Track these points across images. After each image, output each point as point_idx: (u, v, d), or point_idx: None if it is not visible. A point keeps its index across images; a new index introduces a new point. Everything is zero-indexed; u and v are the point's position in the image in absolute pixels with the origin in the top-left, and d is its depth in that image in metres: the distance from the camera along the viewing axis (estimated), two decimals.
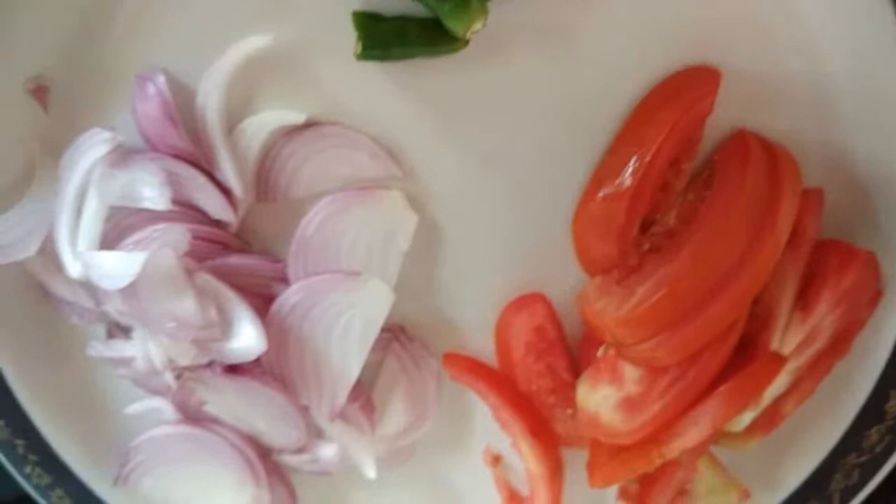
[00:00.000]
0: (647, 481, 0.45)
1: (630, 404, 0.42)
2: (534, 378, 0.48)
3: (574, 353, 0.47)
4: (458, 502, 0.51)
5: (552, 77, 0.43)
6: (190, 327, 0.41)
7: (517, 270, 0.46)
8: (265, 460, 0.48)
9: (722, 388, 0.40)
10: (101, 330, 0.47)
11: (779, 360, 0.40)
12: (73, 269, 0.41)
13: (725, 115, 0.43)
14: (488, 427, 0.50)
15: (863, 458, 0.46)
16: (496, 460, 0.51)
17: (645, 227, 0.44)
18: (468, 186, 0.45)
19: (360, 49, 0.40)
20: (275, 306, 0.44)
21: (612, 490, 0.48)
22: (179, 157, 0.41)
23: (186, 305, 0.41)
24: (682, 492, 0.46)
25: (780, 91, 0.43)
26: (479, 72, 0.42)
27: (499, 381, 0.47)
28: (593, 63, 0.42)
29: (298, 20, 0.42)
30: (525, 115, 0.43)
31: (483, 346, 0.48)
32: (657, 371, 0.42)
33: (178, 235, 0.40)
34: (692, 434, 0.40)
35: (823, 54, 0.42)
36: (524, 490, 0.51)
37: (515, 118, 0.43)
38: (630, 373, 0.43)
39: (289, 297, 0.44)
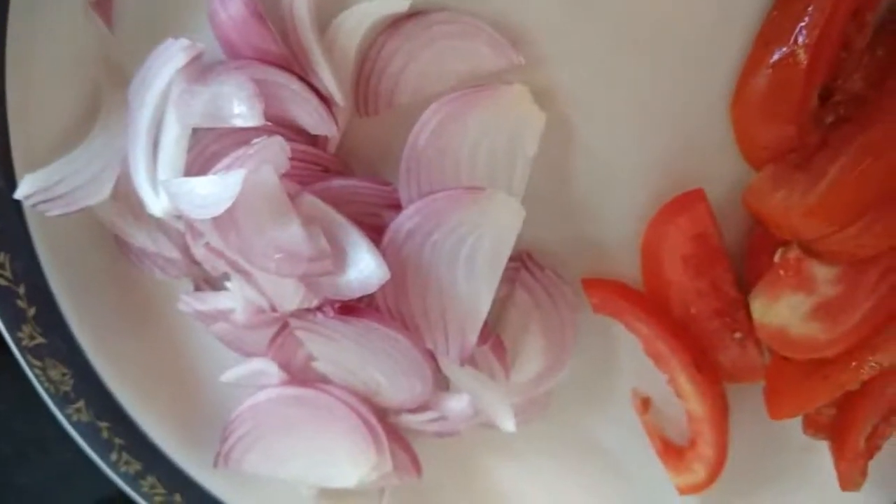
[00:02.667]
0: (848, 404, 0.38)
1: (829, 309, 0.35)
2: (693, 299, 0.40)
3: (736, 265, 0.41)
4: (605, 459, 0.45)
5: None
6: (299, 259, 0.35)
7: (666, 171, 0.39)
8: (385, 424, 0.42)
9: None
10: (188, 285, 0.41)
11: None
12: (157, 206, 0.36)
13: None
14: (634, 368, 0.43)
15: None
16: (646, 405, 0.44)
17: (824, 96, 0.36)
18: (604, 75, 0.38)
19: None
20: (388, 235, 0.37)
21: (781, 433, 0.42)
22: (269, 63, 0.35)
23: (293, 233, 0.34)
24: (887, 416, 0.38)
25: None
26: None
27: (651, 307, 0.40)
28: None
29: None
30: None
31: (626, 270, 0.41)
32: (861, 265, 0.35)
33: (276, 151, 0.34)
34: None
35: None
36: (680, 439, 0.44)
37: None
38: (823, 273, 0.36)
39: (403, 223, 0.37)
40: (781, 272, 0.37)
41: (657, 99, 0.38)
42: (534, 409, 0.44)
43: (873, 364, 0.35)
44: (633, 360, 0.43)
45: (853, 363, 0.36)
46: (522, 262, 0.41)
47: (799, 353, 0.36)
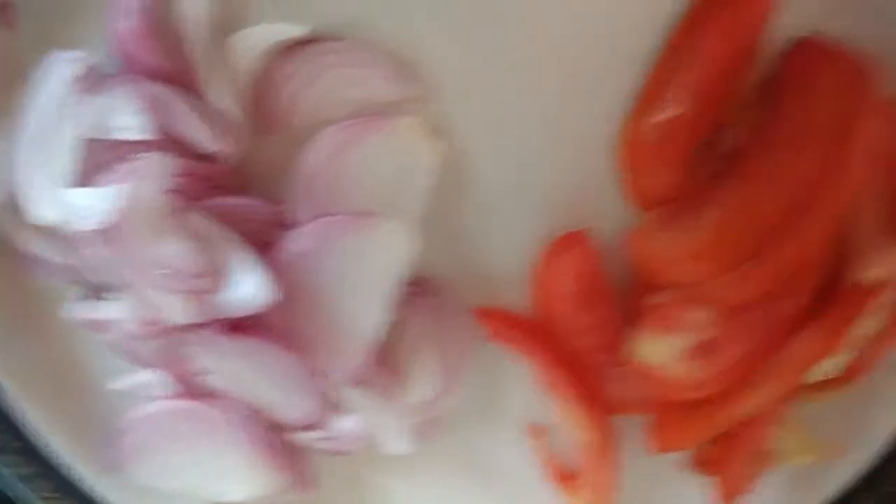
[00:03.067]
0: (726, 442, 0.39)
1: (704, 351, 0.36)
2: (578, 333, 0.41)
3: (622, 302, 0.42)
4: (501, 480, 0.45)
5: None
6: (183, 275, 0.35)
7: (557, 209, 0.40)
8: (277, 439, 0.43)
9: (805, 329, 0.34)
10: (79, 292, 0.41)
11: (868, 294, 0.34)
12: (43, 213, 0.35)
13: (796, 16, 0.37)
14: (527, 394, 0.44)
15: None
16: (539, 431, 0.45)
17: (704, 148, 0.37)
18: (500, 111, 0.38)
19: None
20: (278, 255, 0.37)
21: (669, 462, 0.43)
22: (163, 79, 0.36)
23: (176, 249, 0.35)
24: (765, 453, 0.40)
25: None
26: None
27: (542, 337, 0.41)
28: None
29: None
30: (564, 25, 0.37)
31: (519, 300, 0.42)
32: (736, 310, 0.36)
33: (161, 166, 0.34)
34: (773, 384, 0.34)
35: None
36: (572, 465, 0.45)
37: (553, 29, 0.37)
38: (700, 316, 0.37)
39: (294, 244, 0.37)
40: (660, 313, 0.38)
41: (548, 137, 0.39)
42: (428, 431, 0.44)
43: (747, 404, 0.36)
44: (527, 385, 0.44)
45: (728, 403, 0.37)
46: (419, 288, 0.41)
47: (674, 392, 0.37)
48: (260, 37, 0.36)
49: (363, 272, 0.38)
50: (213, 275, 0.36)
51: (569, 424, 0.43)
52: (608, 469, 0.44)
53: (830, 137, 0.34)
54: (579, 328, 0.41)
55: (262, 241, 0.39)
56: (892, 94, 0.37)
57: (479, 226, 0.40)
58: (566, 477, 0.45)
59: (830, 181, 0.34)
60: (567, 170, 0.39)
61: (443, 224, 0.40)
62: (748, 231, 0.35)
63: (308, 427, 0.42)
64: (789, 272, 0.35)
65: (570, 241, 0.39)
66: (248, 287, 0.36)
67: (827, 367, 0.38)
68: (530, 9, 0.37)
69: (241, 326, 0.38)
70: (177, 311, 0.37)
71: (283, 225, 0.39)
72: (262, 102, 0.37)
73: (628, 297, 0.41)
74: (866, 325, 0.37)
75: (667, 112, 0.36)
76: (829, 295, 0.36)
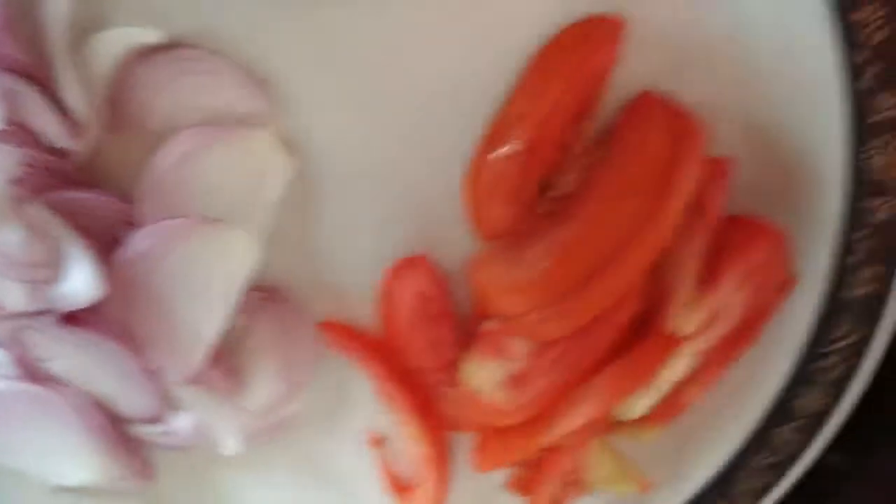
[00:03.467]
0: (534, 467, 0.40)
1: (514, 382, 0.38)
2: (419, 352, 0.43)
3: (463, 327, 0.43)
4: (336, 486, 0.47)
5: (448, 18, 0.38)
6: (16, 263, 0.36)
7: (405, 230, 0.41)
8: (116, 429, 0.44)
9: (610, 367, 0.35)
10: None
11: (673, 341, 0.36)
12: None
13: (635, 74, 0.38)
14: (372, 405, 0.45)
15: (771, 459, 0.43)
16: (379, 442, 0.46)
17: (543, 189, 0.39)
18: (352, 131, 0.39)
19: None
20: (120, 252, 0.38)
21: (498, 481, 0.44)
22: (16, 71, 0.36)
23: (11, 238, 0.35)
24: (577, 480, 0.41)
25: (696, 55, 0.38)
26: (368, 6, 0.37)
27: (383, 353, 0.43)
28: (495, 7, 0.37)
29: None
30: (417, 58, 0.38)
31: (367, 314, 0.43)
32: (546, 344, 0.37)
33: (5, 156, 0.35)
34: (576, 416, 0.36)
35: (747, 22, 0.38)
36: (409, 476, 0.46)
37: (406, 60, 0.38)
38: (518, 348, 0.39)
39: (137, 243, 0.38)
40: (489, 340, 0.40)
41: (399, 160, 0.40)
42: (271, 433, 0.46)
43: (553, 433, 0.38)
44: (370, 398, 0.45)
45: (536, 431, 0.38)
46: (266, 295, 0.42)
47: (486, 417, 0.39)
48: (118, 39, 0.37)
49: (204, 277, 0.39)
50: (49, 266, 0.36)
51: (406, 437, 0.45)
52: (441, 483, 0.45)
53: (652, 189, 0.36)
54: (417, 347, 0.42)
55: (111, 237, 0.40)
56: (717, 153, 0.39)
57: (331, 241, 0.41)
58: (402, 487, 0.46)
59: (647, 230, 0.36)
60: (420, 193, 0.41)
61: (293, 237, 0.41)
62: (568, 270, 0.36)
63: (147, 421, 0.43)
64: (600, 312, 0.37)
65: (411, 264, 0.41)
66: (79, 280, 0.36)
67: (637, 407, 0.40)
68: (389, 36, 0.38)
69: (78, 319, 0.39)
70: (15, 297, 0.38)
71: (132, 224, 0.40)
72: (118, 103, 0.38)
73: (469, 322, 0.43)
74: (674, 370, 0.39)
75: (505, 149, 0.38)
76: (640, 337, 0.38)
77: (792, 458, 0.43)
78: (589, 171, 0.38)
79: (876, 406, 0.43)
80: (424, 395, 0.43)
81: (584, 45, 0.37)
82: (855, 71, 0.38)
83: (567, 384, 0.37)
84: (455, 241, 0.41)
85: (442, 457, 0.45)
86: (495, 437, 0.40)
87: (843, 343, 0.42)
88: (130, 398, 0.41)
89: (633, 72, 0.38)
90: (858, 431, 0.44)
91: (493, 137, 0.38)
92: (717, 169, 0.38)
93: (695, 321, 0.38)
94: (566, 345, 0.37)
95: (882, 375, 0.43)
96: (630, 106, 0.38)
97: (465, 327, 0.43)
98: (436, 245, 0.41)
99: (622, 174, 0.37)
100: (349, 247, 0.41)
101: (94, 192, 0.39)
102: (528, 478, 0.41)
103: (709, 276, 0.38)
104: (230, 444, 0.42)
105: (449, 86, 0.39)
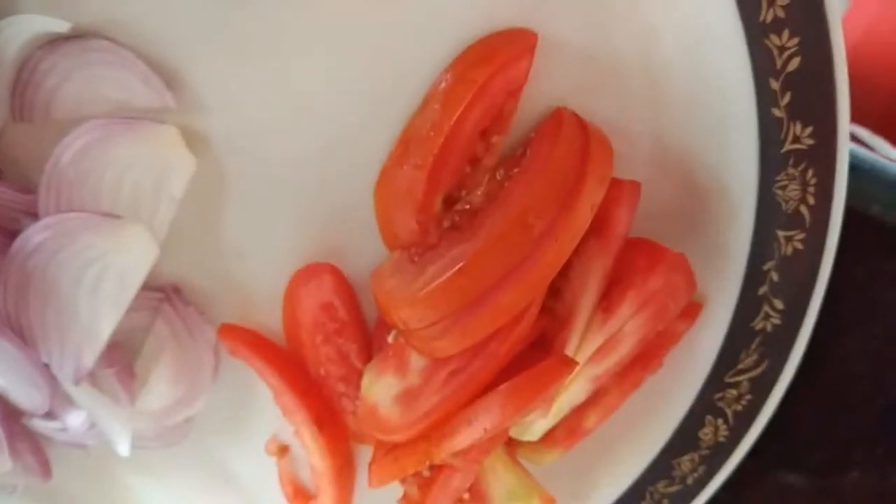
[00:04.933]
0: (426, 484, 0.40)
1: (408, 397, 0.37)
2: (323, 362, 0.42)
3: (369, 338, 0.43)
4: (236, 493, 0.46)
5: (364, 26, 0.37)
6: None
7: (314, 236, 0.40)
8: (13, 423, 0.42)
9: (501, 387, 0.35)
10: None
11: (568, 363, 0.35)
12: None
13: (546, 92, 0.38)
14: (277, 412, 0.44)
15: (673, 488, 0.42)
16: (282, 451, 0.45)
17: (451, 202, 0.39)
18: (263, 130, 0.38)
19: None
20: (17, 243, 0.37)
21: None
22: None
23: None
24: (481, 495, 0.41)
25: (610, 76, 0.38)
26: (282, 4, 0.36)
27: (283, 360, 0.42)
28: (408, 18, 0.37)
29: None
30: (331, 63, 0.37)
31: (273, 320, 0.42)
32: (438, 361, 0.37)
33: None
34: (465, 434, 0.35)
35: (660, 44, 0.37)
36: (310, 486, 0.46)
37: (320, 63, 0.37)
38: (416, 362, 0.38)
39: (33, 235, 0.37)
40: (389, 353, 0.39)
41: (313, 163, 0.39)
42: (171, 436, 0.45)
43: (431, 455, 0.37)
44: (274, 403, 0.44)
45: (417, 451, 0.37)
46: (167, 295, 0.41)
47: (379, 432, 0.38)
48: (22, 27, 0.36)
49: (100, 273, 0.38)
50: None
51: (305, 449, 0.44)
52: (343, 494, 0.44)
53: (556, 206, 0.36)
54: (320, 356, 0.42)
55: (11, 227, 0.39)
56: (627, 175, 0.38)
57: (234, 243, 0.41)
58: (303, 497, 0.46)
59: (547, 247, 0.35)
60: (333, 198, 0.40)
61: (198, 237, 0.40)
62: (464, 285, 0.35)
63: (41, 416, 0.42)
64: (496, 331, 0.36)
65: (316, 271, 0.40)
66: None
67: (535, 429, 0.39)
68: (302, 35, 0.37)
69: None
70: None
71: (33, 214, 0.39)
72: (23, 91, 0.37)
73: (374, 334, 0.42)
74: (573, 393, 0.38)
75: (410, 161, 0.37)
76: (537, 358, 0.37)
77: (694, 488, 0.42)
78: (498, 186, 0.37)
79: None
80: (326, 408, 0.43)
81: (495, 58, 0.36)
82: (769, 98, 0.38)
83: (458, 402, 0.37)
84: (367, 250, 0.40)
85: (344, 469, 0.44)
86: (388, 452, 0.39)
87: (751, 374, 0.42)
88: (22, 391, 0.40)
89: (546, 89, 0.38)
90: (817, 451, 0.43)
91: (403, 147, 0.38)
92: (624, 191, 0.38)
93: (593, 344, 0.37)
94: (460, 362, 0.37)
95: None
96: (542, 122, 0.38)
97: (373, 338, 0.43)
98: (347, 252, 0.41)
99: (528, 190, 0.36)
100: (258, 249, 0.41)
101: None
102: (420, 495, 0.40)
103: (609, 299, 0.38)
104: (122, 445, 0.41)
105: (364, 89, 0.38)
